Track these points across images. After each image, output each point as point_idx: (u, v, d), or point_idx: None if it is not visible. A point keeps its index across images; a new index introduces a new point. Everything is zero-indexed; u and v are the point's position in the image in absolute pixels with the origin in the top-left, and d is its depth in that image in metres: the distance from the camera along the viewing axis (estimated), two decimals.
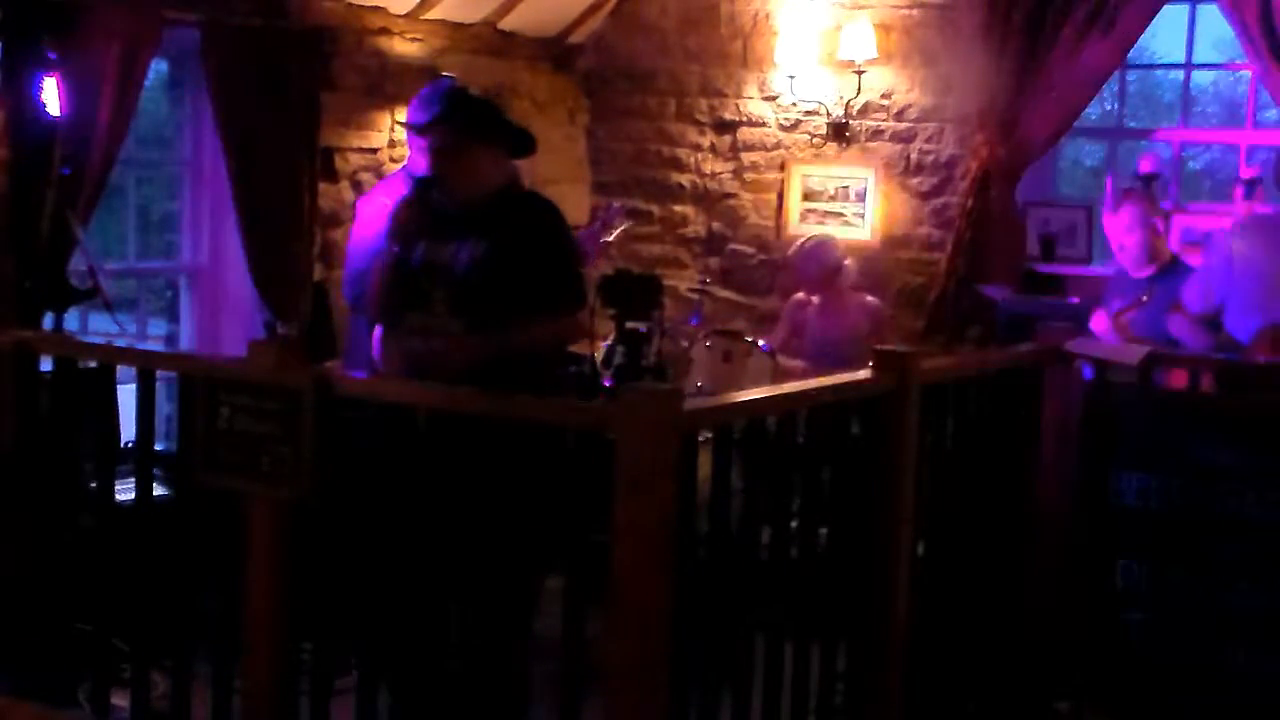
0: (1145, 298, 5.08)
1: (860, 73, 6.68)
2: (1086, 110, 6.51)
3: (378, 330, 4.09)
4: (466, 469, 3.54)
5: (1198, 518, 4.11)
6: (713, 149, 7.22)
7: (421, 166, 4.66)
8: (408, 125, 4.95)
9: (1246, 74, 6.28)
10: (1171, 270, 5.17)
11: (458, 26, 6.61)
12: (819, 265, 5.97)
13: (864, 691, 3.56)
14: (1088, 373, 4.32)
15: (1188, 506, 4.12)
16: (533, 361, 3.80)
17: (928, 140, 6.73)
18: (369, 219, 4.79)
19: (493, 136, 3.95)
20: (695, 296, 6.44)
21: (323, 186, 5.92)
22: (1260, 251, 4.52)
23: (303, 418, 3.22)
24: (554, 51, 7.26)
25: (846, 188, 6.88)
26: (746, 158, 7.13)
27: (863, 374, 3.53)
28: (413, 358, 3.86)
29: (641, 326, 5.68)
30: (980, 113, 6.41)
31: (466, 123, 3.94)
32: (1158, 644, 4.18)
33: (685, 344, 5.86)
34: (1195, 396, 4.30)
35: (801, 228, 6.74)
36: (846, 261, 6.08)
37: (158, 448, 3.84)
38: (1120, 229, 5.24)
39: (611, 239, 5.85)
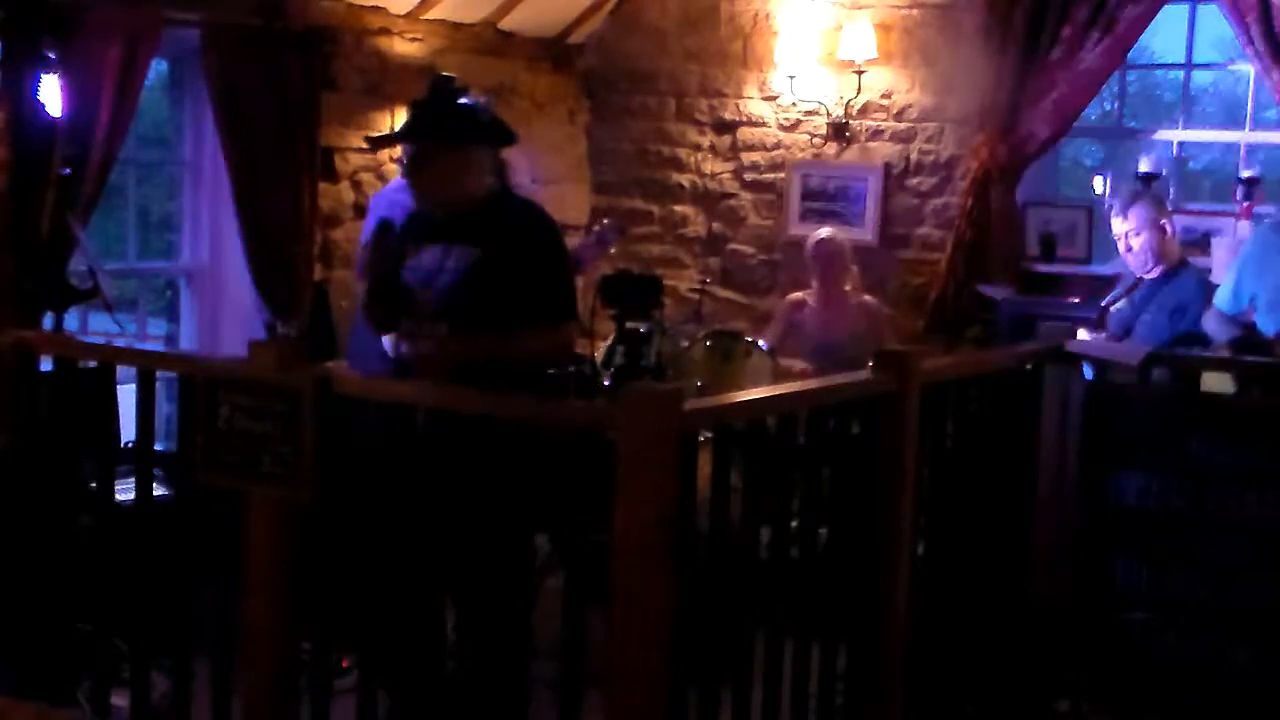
0: (1132, 289, 5.08)
1: (860, 73, 6.68)
2: (1086, 110, 6.51)
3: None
4: (464, 469, 3.54)
5: (1198, 518, 4.11)
6: (713, 149, 7.22)
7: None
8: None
9: (1247, 74, 6.28)
10: (1180, 271, 5.15)
11: (458, 26, 6.61)
12: (839, 263, 6.00)
13: (864, 691, 3.55)
14: (1088, 372, 4.32)
15: (1188, 506, 4.12)
16: (521, 369, 3.73)
17: (928, 140, 6.72)
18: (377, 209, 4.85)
19: (463, 139, 3.80)
20: (695, 296, 6.44)
21: (323, 186, 5.92)
22: None
23: (303, 418, 3.21)
24: (554, 51, 7.26)
25: (846, 188, 6.88)
26: (746, 158, 7.13)
27: (863, 374, 3.53)
28: (401, 362, 3.86)
29: (641, 326, 5.69)
30: (980, 113, 6.41)
31: (434, 132, 3.81)
32: (1158, 644, 4.18)
33: (685, 344, 5.86)
34: (1195, 396, 4.29)
35: (801, 228, 6.74)
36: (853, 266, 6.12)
37: (158, 448, 3.84)
38: (1128, 231, 5.22)
39: (610, 253, 5.92)
